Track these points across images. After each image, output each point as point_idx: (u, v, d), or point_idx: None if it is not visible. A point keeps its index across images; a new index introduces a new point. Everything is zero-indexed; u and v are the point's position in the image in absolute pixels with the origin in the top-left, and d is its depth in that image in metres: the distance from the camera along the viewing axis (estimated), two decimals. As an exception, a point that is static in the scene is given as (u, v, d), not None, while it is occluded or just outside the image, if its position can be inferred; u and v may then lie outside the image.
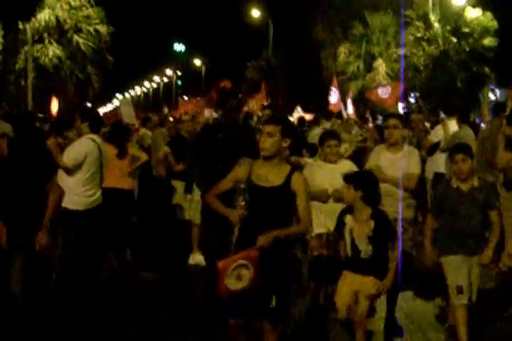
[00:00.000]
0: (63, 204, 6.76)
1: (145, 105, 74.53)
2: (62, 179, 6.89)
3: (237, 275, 4.96)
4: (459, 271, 6.13)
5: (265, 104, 17.02)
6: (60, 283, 6.66)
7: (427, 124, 13.98)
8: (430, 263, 6.35)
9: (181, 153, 9.42)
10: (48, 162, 6.59)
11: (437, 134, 11.49)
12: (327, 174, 6.99)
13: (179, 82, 75.55)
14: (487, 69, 27.58)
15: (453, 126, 11.21)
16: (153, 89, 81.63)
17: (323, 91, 26.96)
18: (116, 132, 8.80)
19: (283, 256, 5.17)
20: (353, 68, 32.11)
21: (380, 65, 30.58)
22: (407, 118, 13.61)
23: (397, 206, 6.56)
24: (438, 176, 10.59)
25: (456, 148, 6.43)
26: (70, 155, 6.90)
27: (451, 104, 20.09)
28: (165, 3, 57.36)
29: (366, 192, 5.91)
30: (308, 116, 18.55)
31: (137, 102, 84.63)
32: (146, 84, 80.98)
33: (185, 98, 49.65)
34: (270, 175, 5.19)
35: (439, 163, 10.94)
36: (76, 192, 6.94)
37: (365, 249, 5.86)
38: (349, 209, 6.02)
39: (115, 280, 7.90)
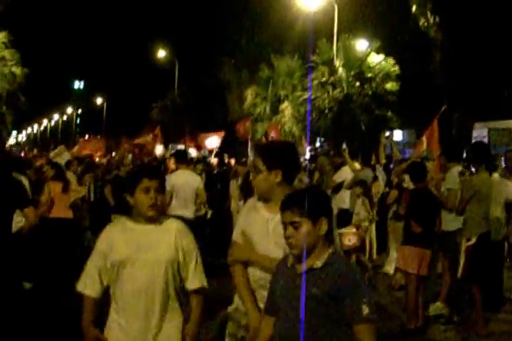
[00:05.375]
0: None
1: (42, 144, 73.31)
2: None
3: None
4: None
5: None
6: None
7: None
8: None
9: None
10: None
11: (341, 175, 12.20)
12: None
13: (78, 121, 74.75)
14: (389, 113, 28.63)
15: (357, 167, 11.99)
16: (50, 127, 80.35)
17: (230, 132, 27.31)
18: (61, 171, 10.56)
19: None
20: (259, 110, 32.64)
21: (286, 108, 31.20)
22: (314, 161, 14.65)
23: None
24: (342, 212, 11.23)
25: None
26: None
27: (354, 147, 20.97)
28: (74, 40, 57.74)
29: None
30: None
31: (33, 140, 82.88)
32: (45, 122, 79.82)
33: (86, 137, 49.17)
34: None
35: (343, 199, 11.67)
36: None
37: None
38: None
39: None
